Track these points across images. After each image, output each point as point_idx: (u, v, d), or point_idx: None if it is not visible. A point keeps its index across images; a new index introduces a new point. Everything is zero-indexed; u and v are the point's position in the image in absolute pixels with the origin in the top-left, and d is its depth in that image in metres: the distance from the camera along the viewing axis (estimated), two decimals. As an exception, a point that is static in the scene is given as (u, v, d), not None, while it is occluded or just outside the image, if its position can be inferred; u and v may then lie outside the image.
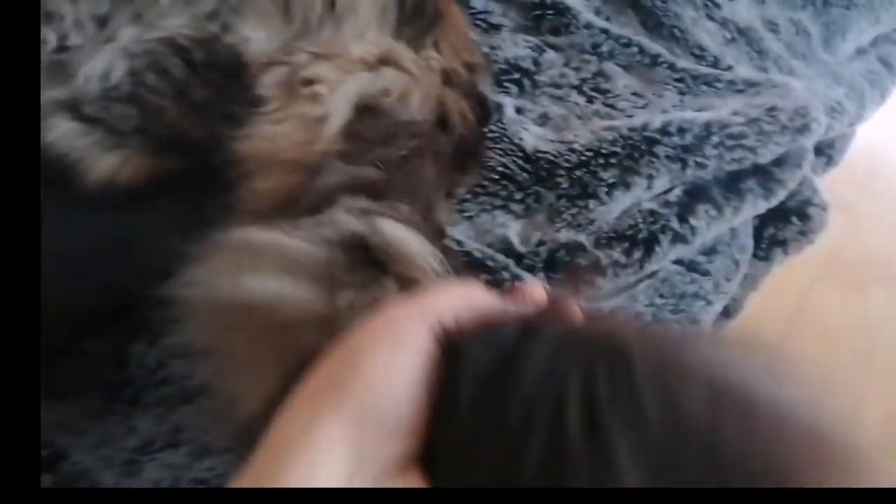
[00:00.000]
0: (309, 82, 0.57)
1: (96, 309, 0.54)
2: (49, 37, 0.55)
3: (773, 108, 0.71)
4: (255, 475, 0.34)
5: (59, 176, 0.56)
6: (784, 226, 0.77)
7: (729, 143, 0.68)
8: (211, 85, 0.58)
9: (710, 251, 0.71)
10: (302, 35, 0.59)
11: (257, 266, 0.45)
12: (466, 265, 0.59)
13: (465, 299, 0.41)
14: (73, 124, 0.57)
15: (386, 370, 0.37)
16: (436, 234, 0.60)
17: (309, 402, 0.37)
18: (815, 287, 1.45)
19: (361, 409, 0.35)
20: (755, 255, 0.77)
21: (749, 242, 0.75)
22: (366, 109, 0.57)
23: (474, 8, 0.79)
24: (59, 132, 0.56)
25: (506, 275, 0.60)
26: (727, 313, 0.78)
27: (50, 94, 0.56)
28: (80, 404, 0.52)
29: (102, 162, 0.57)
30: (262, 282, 0.44)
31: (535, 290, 0.48)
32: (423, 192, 0.60)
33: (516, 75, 0.73)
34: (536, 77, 0.74)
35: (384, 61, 0.60)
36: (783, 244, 0.78)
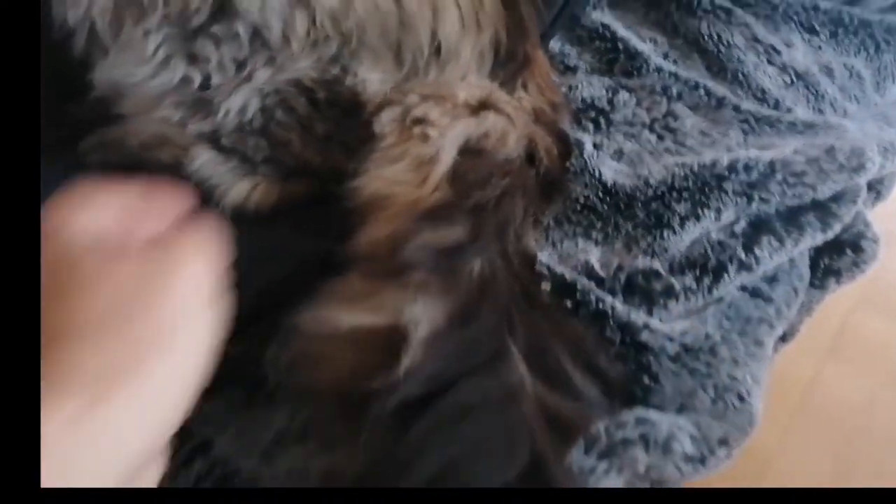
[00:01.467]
0: (419, 121, 0.64)
1: (235, 316, 0.60)
2: (195, 76, 0.63)
3: (831, 149, 0.77)
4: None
5: (202, 199, 0.64)
6: (839, 257, 0.83)
7: (791, 180, 0.74)
8: (332, 120, 0.66)
9: (772, 279, 0.76)
10: (411, 77, 0.66)
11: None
12: (555, 290, 0.66)
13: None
14: (213, 153, 0.65)
15: None
16: (526, 261, 0.67)
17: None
18: (857, 310, 1.49)
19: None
20: (811, 284, 0.83)
21: (806, 272, 0.81)
22: (469, 151, 0.64)
23: (552, 51, 0.86)
24: (202, 160, 0.64)
25: (590, 298, 0.66)
26: (784, 338, 0.84)
27: (194, 126, 0.64)
28: (223, 401, 0.58)
29: (237, 187, 0.64)
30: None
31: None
32: (513, 225, 0.66)
33: (592, 114, 0.80)
34: (611, 116, 0.80)
35: (484, 105, 0.67)
36: (837, 274, 0.84)
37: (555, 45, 0.87)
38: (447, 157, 0.62)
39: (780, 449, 1.36)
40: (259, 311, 0.63)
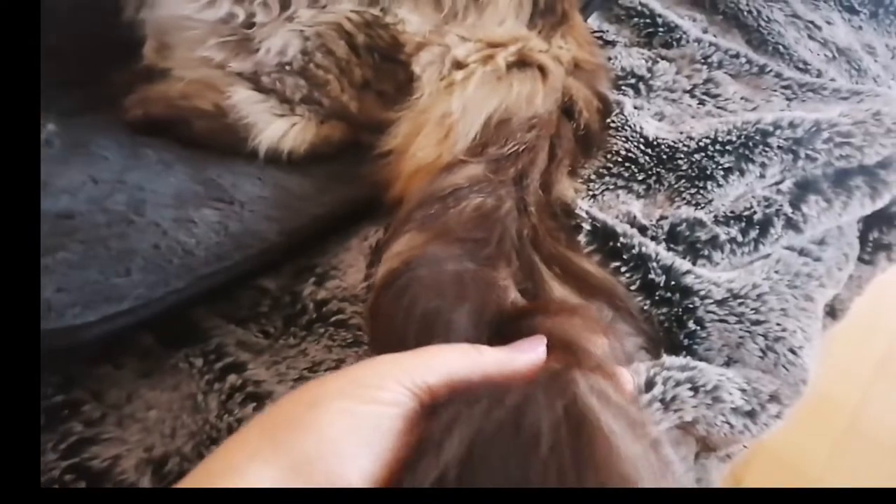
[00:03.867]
0: (458, 65, 0.64)
1: (269, 251, 0.60)
2: (239, 13, 0.63)
3: (878, 113, 0.75)
4: None
5: (239, 136, 0.64)
6: (889, 230, 0.80)
7: (837, 139, 0.72)
8: (370, 67, 0.66)
9: (821, 242, 0.74)
10: (449, 20, 0.66)
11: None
12: (595, 234, 0.64)
13: (465, 360, 0.41)
14: (252, 92, 0.65)
15: (338, 421, 0.35)
16: (561, 209, 0.66)
17: (244, 444, 0.35)
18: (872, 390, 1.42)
19: (302, 456, 0.34)
20: (860, 259, 0.80)
21: (855, 242, 0.78)
22: (495, 119, 0.64)
23: (590, 27, 0.86)
24: (240, 98, 0.64)
25: (633, 242, 0.64)
26: (833, 314, 0.81)
27: (235, 65, 0.64)
28: (259, 328, 0.57)
29: (273, 126, 0.64)
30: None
31: (538, 345, 0.45)
32: (535, 174, 0.65)
33: (632, 80, 0.80)
34: (651, 82, 0.80)
35: (520, 59, 0.67)
36: (888, 248, 0.81)
37: (593, 22, 0.87)
38: (473, 122, 0.63)
39: (826, 472, 1.31)
40: (296, 250, 0.62)
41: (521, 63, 0.69)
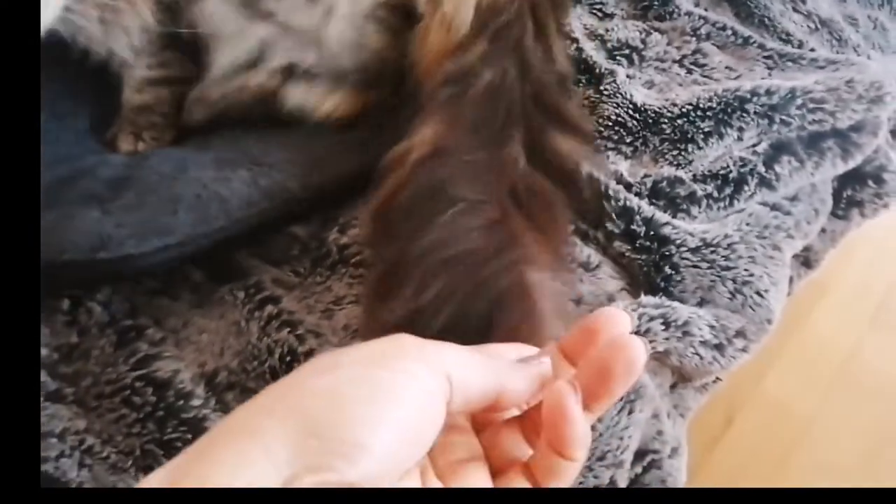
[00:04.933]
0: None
1: (298, 202, 0.70)
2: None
3: (850, 81, 0.83)
4: (176, 468, 0.32)
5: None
6: (861, 188, 0.88)
7: (811, 105, 0.80)
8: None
9: (793, 199, 0.82)
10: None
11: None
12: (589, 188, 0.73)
13: (486, 371, 0.39)
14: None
15: (353, 387, 0.34)
16: (552, 63, 0.77)
17: (260, 405, 0.35)
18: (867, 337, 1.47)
19: (314, 420, 0.33)
20: (834, 214, 0.88)
21: (828, 198, 0.86)
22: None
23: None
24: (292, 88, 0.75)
25: (619, 196, 0.73)
26: (808, 264, 0.89)
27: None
28: (290, 268, 0.67)
29: (327, 103, 0.75)
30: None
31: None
32: (529, 37, 0.76)
33: (626, 51, 0.88)
34: (643, 53, 0.88)
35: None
36: (860, 205, 0.89)
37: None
38: (466, 10, 0.74)
39: (817, 417, 1.37)
40: (320, 203, 0.72)
41: None
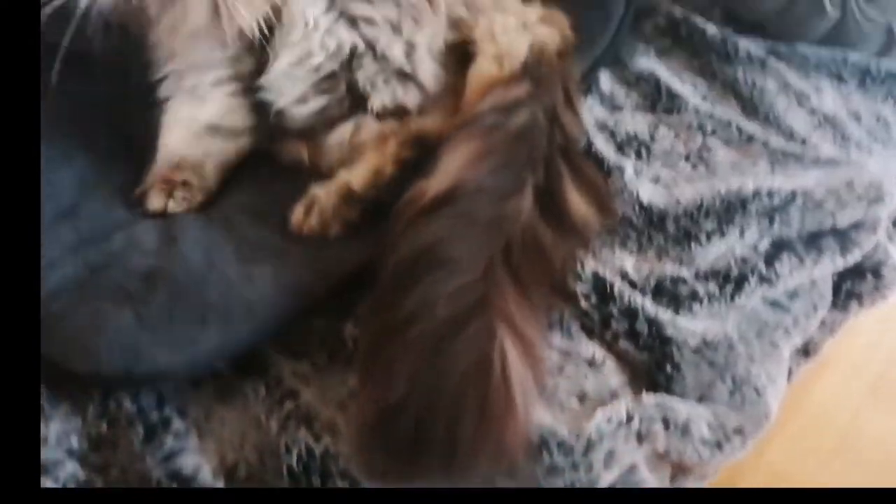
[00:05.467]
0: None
1: (317, 300, 0.73)
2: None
3: (850, 181, 0.87)
4: None
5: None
6: (860, 282, 0.91)
7: (811, 206, 0.84)
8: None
9: (792, 295, 0.85)
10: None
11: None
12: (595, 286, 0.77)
13: None
14: None
15: None
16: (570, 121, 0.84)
17: None
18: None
19: None
20: (834, 306, 0.91)
21: (828, 293, 0.89)
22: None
23: (603, 90, 0.98)
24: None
25: (625, 295, 0.76)
26: (806, 353, 0.92)
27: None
28: (309, 361, 0.71)
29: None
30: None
31: None
32: (561, 95, 0.84)
33: (635, 145, 0.91)
34: (651, 147, 0.91)
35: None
36: (859, 297, 0.92)
37: (605, 85, 0.99)
38: (519, 49, 0.84)
39: (816, 485, 1.38)
40: (339, 294, 0.76)
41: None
